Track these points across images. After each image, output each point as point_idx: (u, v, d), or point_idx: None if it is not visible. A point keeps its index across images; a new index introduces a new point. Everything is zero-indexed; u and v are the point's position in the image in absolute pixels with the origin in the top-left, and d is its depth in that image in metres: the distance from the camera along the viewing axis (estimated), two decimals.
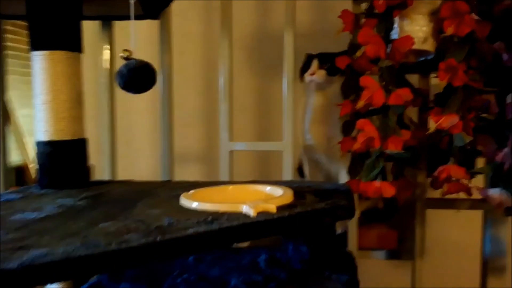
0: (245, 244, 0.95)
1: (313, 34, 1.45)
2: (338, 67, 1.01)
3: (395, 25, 0.88)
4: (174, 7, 1.14)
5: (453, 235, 1.37)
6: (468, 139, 0.81)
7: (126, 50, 0.80)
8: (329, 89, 1.05)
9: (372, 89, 0.85)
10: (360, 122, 0.87)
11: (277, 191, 0.76)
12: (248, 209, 0.64)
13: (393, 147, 0.85)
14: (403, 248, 1.09)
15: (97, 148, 1.09)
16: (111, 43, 1.17)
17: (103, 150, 1.18)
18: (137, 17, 1.10)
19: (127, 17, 1.13)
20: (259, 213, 0.62)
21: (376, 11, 0.91)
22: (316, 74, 1.03)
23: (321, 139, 1.10)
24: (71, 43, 0.89)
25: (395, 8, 0.85)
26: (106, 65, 1.17)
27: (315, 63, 1.05)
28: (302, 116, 1.14)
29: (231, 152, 1.11)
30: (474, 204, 0.98)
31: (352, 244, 1.03)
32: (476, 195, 0.91)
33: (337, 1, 1.43)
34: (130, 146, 1.58)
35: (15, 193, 0.85)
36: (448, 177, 0.85)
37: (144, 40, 1.43)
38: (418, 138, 0.93)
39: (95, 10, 1.06)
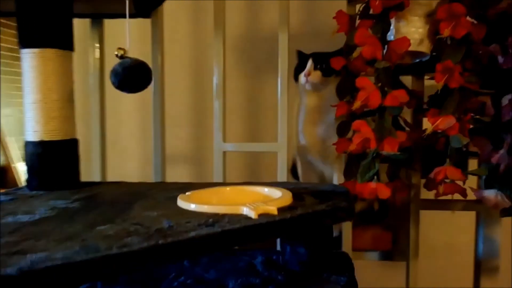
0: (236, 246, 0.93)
1: (303, 35, 1.45)
2: (333, 67, 1.00)
3: (391, 27, 0.88)
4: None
5: (447, 236, 1.38)
6: (465, 140, 0.81)
7: (120, 49, 0.78)
8: (324, 90, 1.05)
9: (368, 90, 0.85)
10: (356, 123, 0.87)
11: (276, 192, 0.75)
12: (248, 211, 0.63)
13: (389, 148, 0.85)
14: (397, 249, 1.09)
15: (85, 148, 1.06)
16: (101, 42, 1.15)
17: (93, 150, 1.15)
18: (129, 15, 1.09)
19: (118, 15, 1.12)
20: (260, 215, 0.62)
21: (372, 12, 0.91)
22: (311, 76, 1.03)
23: (315, 140, 1.10)
24: (62, 40, 0.87)
25: (391, 9, 0.85)
26: (96, 64, 1.14)
27: (310, 64, 1.04)
28: (296, 117, 1.13)
29: (225, 153, 1.10)
30: (467, 205, 0.99)
31: (347, 245, 1.02)
32: (470, 196, 0.92)
33: (328, 2, 1.44)
34: (117, 146, 1.55)
35: (4, 195, 0.82)
36: (443, 178, 0.85)
37: (134, 39, 1.41)
38: (412, 139, 0.93)
39: (85, 7, 1.04)
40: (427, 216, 1.02)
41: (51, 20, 0.84)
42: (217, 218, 0.61)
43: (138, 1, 1.01)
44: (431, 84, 0.99)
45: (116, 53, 0.78)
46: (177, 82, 1.50)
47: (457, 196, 0.91)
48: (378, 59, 0.85)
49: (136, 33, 1.40)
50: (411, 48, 0.86)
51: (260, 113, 1.53)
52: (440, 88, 0.89)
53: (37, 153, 0.85)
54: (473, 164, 0.96)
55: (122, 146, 1.57)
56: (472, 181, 0.93)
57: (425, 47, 0.88)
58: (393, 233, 1.09)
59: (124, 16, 1.09)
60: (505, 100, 0.80)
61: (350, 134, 0.98)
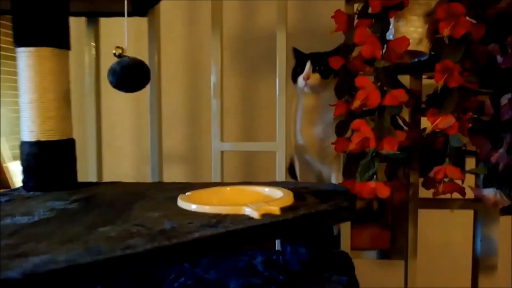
0: None
1: (299, 33, 1.44)
2: (331, 69, 1.00)
3: (390, 26, 0.88)
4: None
5: (444, 234, 1.39)
6: (465, 140, 0.82)
7: (118, 47, 0.77)
8: (323, 92, 1.04)
9: (368, 89, 0.85)
10: (356, 123, 0.87)
11: (276, 192, 0.75)
12: (251, 212, 0.62)
13: (389, 148, 0.85)
14: (395, 247, 1.09)
15: (80, 148, 1.05)
16: (97, 41, 1.14)
17: (89, 150, 1.14)
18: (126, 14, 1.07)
19: (114, 14, 1.11)
20: (263, 216, 0.61)
21: (370, 11, 0.91)
22: (310, 79, 1.02)
23: (313, 140, 1.09)
24: (58, 39, 0.85)
25: (391, 8, 0.85)
26: (92, 63, 1.13)
27: (308, 67, 1.03)
28: (294, 117, 1.13)
29: (222, 152, 1.09)
30: (465, 204, 0.99)
31: (345, 244, 1.02)
32: (467, 195, 0.92)
33: (324, 1, 1.44)
34: (112, 146, 1.54)
35: (0, 196, 0.81)
36: (443, 177, 0.85)
37: (130, 38, 1.40)
38: (411, 138, 0.93)
39: (81, 5, 1.02)
40: (424, 215, 1.02)
41: (47, 18, 0.83)
42: (219, 218, 0.60)
43: None
44: (428, 83, 0.99)
45: (114, 51, 0.77)
46: (171, 82, 1.49)
47: (455, 195, 0.91)
48: (377, 58, 0.85)
49: (131, 32, 1.39)
50: (410, 48, 0.86)
51: (254, 113, 1.53)
52: (439, 87, 0.89)
53: (34, 154, 0.84)
54: (469, 163, 0.97)
55: (116, 146, 1.56)
56: (469, 180, 0.93)
57: (424, 47, 0.88)
58: (391, 232, 1.10)
59: (120, 15, 1.08)
60: (504, 100, 0.80)
61: (348, 134, 0.98)
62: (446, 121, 0.81)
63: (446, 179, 0.89)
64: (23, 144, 0.85)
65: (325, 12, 1.46)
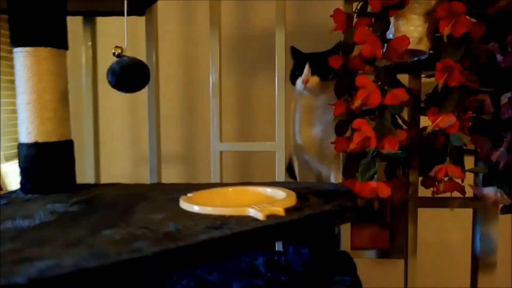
0: None
1: (296, 32, 1.44)
2: (330, 71, 1.00)
3: (390, 25, 0.88)
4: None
5: (443, 233, 1.39)
6: (466, 139, 0.82)
7: (117, 47, 0.76)
8: (321, 93, 1.04)
9: (368, 88, 0.85)
10: (357, 122, 0.86)
11: (279, 193, 0.74)
12: (255, 213, 0.62)
13: (389, 147, 0.85)
14: (394, 247, 1.10)
15: (77, 150, 1.04)
16: (93, 40, 1.12)
17: (86, 152, 1.13)
18: (122, 13, 1.06)
19: (110, 13, 1.10)
20: (268, 217, 0.61)
21: (370, 10, 0.90)
22: (309, 82, 1.02)
23: (312, 141, 1.09)
24: (55, 39, 0.84)
25: (391, 7, 0.85)
26: (89, 62, 1.12)
27: (307, 71, 1.03)
28: (292, 116, 1.13)
29: (221, 153, 1.08)
30: (464, 203, 0.99)
31: (345, 244, 1.02)
32: (467, 194, 0.92)
33: (321, 0, 1.44)
34: (107, 147, 1.52)
35: None
36: (444, 176, 0.85)
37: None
38: (410, 137, 0.93)
39: (78, 5, 1.01)
40: (422, 214, 1.02)
41: (44, 17, 0.82)
42: (224, 220, 0.60)
43: None
44: (427, 82, 0.99)
45: (113, 51, 0.76)
46: (167, 82, 1.48)
47: (454, 194, 0.91)
48: (378, 57, 0.85)
49: (129, 30, 1.38)
50: (410, 47, 0.86)
51: (250, 112, 1.52)
52: (439, 86, 0.89)
53: (32, 155, 0.83)
54: (467, 161, 0.97)
55: (111, 147, 1.54)
56: (467, 179, 0.93)
57: (424, 46, 0.88)
58: (390, 231, 1.10)
59: (117, 14, 1.08)
60: (504, 98, 0.80)
61: (347, 133, 0.98)
62: (447, 120, 0.81)
63: (446, 178, 0.89)
64: (21, 145, 0.84)
65: (321, 11, 1.47)
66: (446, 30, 0.81)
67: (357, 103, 0.85)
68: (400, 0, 0.84)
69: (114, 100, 1.52)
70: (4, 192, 0.85)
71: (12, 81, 0.85)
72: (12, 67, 0.85)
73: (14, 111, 1.36)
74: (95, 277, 0.44)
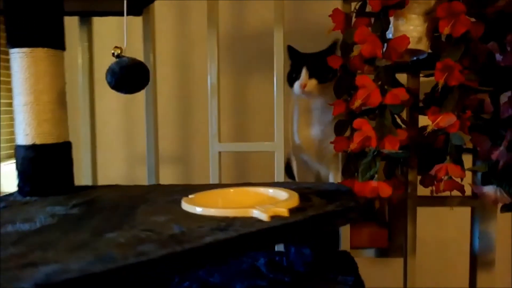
0: None
1: (292, 32, 1.44)
2: (327, 74, 0.99)
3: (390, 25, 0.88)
4: None
5: (442, 232, 1.40)
6: (467, 138, 0.82)
7: (117, 47, 0.75)
8: (319, 95, 1.03)
9: (369, 88, 0.85)
10: (358, 122, 0.86)
11: (281, 193, 0.74)
12: (259, 214, 0.61)
13: (390, 147, 0.85)
14: (393, 245, 1.10)
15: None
16: (90, 40, 1.11)
17: (83, 153, 1.12)
18: (120, 13, 1.05)
19: (107, 13, 1.09)
20: (272, 218, 0.60)
21: (370, 10, 0.91)
22: (307, 87, 1.01)
23: (311, 141, 1.08)
24: (53, 39, 0.83)
25: (391, 7, 0.85)
26: (85, 63, 1.11)
27: (304, 75, 1.01)
28: (291, 116, 1.12)
29: (220, 153, 1.08)
30: (463, 201, 1.00)
31: (345, 243, 1.02)
32: (466, 192, 0.93)
33: (315, 0, 1.44)
34: (100, 148, 1.51)
35: None
36: (445, 175, 0.85)
37: (120, 38, 1.37)
38: (409, 137, 0.94)
39: (74, 5, 1.00)
40: (420, 213, 1.02)
41: (41, 18, 0.81)
42: (228, 221, 0.59)
43: None
44: (425, 81, 1.00)
45: (112, 51, 0.75)
46: (162, 82, 1.47)
47: (452, 192, 0.92)
48: (378, 57, 0.85)
49: (121, 31, 1.37)
50: (409, 46, 0.86)
51: (245, 112, 1.51)
52: (435, 85, 0.90)
53: (29, 158, 0.82)
54: (465, 159, 0.97)
55: (105, 147, 1.53)
56: (466, 178, 0.94)
57: (424, 45, 0.88)
58: (389, 230, 1.10)
59: (113, 14, 1.07)
60: (503, 98, 0.81)
61: (347, 133, 0.98)
62: (447, 120, 0.82)
63: (445, 177, 0.89)
64: (18, 148, 0.83)
65: (318, 10, 1.46)
66: (446, 30, 0.81)
67: (357, 103, 0.85)
68: (400, 0, 0.84)
69: (107, 100, 1.50)
70: (1, 196, 0.84)
71: (7, 82, 0.84)
72: (8, 68, 0.84)
73: (8, 112, 1.35)
74: (102, 282, 0.43)
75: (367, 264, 1.39)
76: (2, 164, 1.41)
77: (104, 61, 1.17)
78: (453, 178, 0.89)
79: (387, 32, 0.89)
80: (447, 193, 0.92)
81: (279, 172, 1.05)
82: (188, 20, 1.52)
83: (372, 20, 0.90)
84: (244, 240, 0.54)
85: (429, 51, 0.90)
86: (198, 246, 0.50)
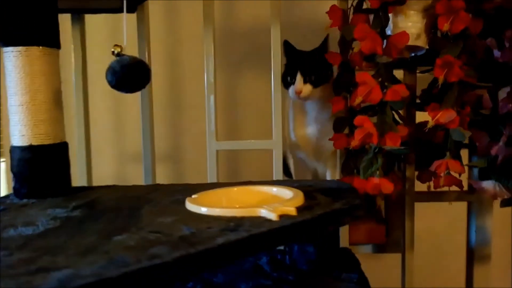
0: None
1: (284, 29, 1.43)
2: (322, 77, 0.99)
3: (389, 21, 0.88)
4: None
5: (439, 226, 1.41)
6: (467, 134, 0.83)
7: (117, 46, 0.74)
8: (315, 96, 1.02)
9: (370, 85, 0.85)
10: (359, 119, 0.86)
11: (285, 192, 0.73)
12: (267, 213, 0.61)
13: (391, 143, 0.85)
14: (390, 241, 1.10)
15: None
16: (82, 38, 1.09)
17: (78, 153, 1.10)
18: (113, 10, 1.04)
19: (99, 10, 1.07)
20: (280, 217, 0.60)
21: (368, 6, 0.91)
22: (302, 92, 0.99)
23: (308, 140, 1.08)
24: (48, 37, 0.81)
25: (390, 4, 0.85)
26: (79, 62, 1.08)
27: (299, 80, 0.99)
28: (286, 114, 1.12)
29: (218, 151, 1.07)
30: (460, 196, 1.01)
31: (343, 240, 1.02)
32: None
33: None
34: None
35: None
36: (445, 171, 0.86)
37: (113, 35, 1.35)
38: (408, 133, 0.94)
39: (67, 2, 0.98)
40: (418, 208, 1.03)
41: (36, 15, 0.79)
42: (236, 222, 0.59)
43: None
44: (420, 77, 1.00)
45: (112, 50, 0.73)
46: (153, 79, 1.45)
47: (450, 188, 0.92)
48: (378, 54, 0.85)
49: (113, 29, 1.35)
50: (408, 43, 0.86)
51: (238, 110, 1.50)
52: (432, 81, 0.91)
53: (26, 159, 0.80)
54: (462, 154, 0.98)
55: (95, 146, 1.50)
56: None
57: (422, 42, 0.88)
58: (386, 226, 1.10)
59: (106, 11, 1.05)
60: (502, 93, 0.82)
61: (346, 130, 0.98)
62: (447, 116, 0.82)
63: (442, 174, 0.90)
64: (14, 149, 0.80)
65: (310, 6, 1.46)
66: (445, 26, 0.82)
67: (358, 100, 0.85)
68: None
69: (96, 99, 1.48)
70: None
71: None
72: None
73: None
74: (116, 286, 0.42)
75: (363, 260, 1.39)
76: None
77: (94, 59, 1.16)
78: (452, 173, 0.90)
79: (385, 29, 0.89)
80: (444, 188, 0.93)
81: (277, 170, 1.04)
82: (179, 18, 1.50)
83: (370, 16, 0.91)
84: (255, 240, 0.53)
85: (427, 47, 0.90)
86: (211, 247, 0.49)
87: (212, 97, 1.05)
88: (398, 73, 1.02)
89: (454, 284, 1.18)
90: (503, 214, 1.22)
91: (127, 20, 1.07)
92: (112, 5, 1.01)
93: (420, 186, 1.01)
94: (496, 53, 0.83)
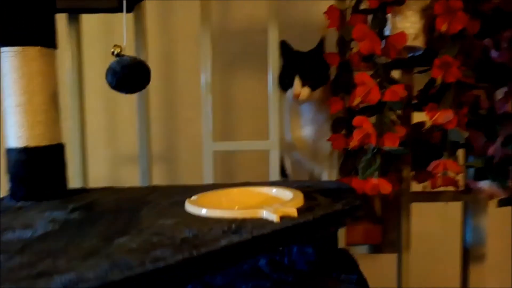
0: None
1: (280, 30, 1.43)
2: (320, 79, 0.99)
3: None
4: None
5: (434, 226, 1.42)
6: (465, 134, 0.83)
7: (117, 46, 0.73)
8: (313, 98, 1.02)
9: (368, 85, 0.85)
10: (358, 119, 0.86)
11: (285, 192, 0.73)
12: (269, 214, 0.61)
13: (390, 143, 0.85)
14: (386, 241, 1.11)
15: None
16: (78, 38, 1.08)
17: (74, 155, 1.09)
18: (110, 10, 1.03)
19: (96, 10, 1.06)
20: (282, 218, 0.60)
21: (366, 7, 0.91)
22: (301, 96, 0.98)
23: (304, 142, 1.07)
24: (45, 37, 0.80)
25: (388, 4, 0.85)
26: (75, 62, 1.07)
27: (296, 84, 0.98)
28: (283, 115, 1.11)
29: (215, 152, 1.06)
30: (455, 196, 1.02)
31: (340, 241, 1.03)
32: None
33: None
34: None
35: None
36: (442, 171, 0.87)
37: (109, 35, 1.34)
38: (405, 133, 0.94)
39: (63, 2, 0.97)
40: (414, 208, 1.04)
41: (33, 15, 0.78)
42: (238, 223, 0.58)
43: None
44: (415, 77, 1.01)
45: (112, 50, 0.73)
46: None
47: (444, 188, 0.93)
48: (377, 54, 0.85)
49: (108, 28, 1.34)
50: (407, 43, 0.86)
51: (231, 110, 1.50)
52: (429, 82, 0.91)
53: (22, 161, 0.78)
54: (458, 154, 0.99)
55: (88, 148, 1.49)
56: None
57: (420, 42, 0.89)
58: (383, 226, 1.11)
59: (103, 11, 1.04)
60: (499, 94, 0.82)
61: (344, 131, 0.98)
62: (445, 116, 0.83)
63: (438, 174, 0.90)
64: (10, 151, 0.79)
65: (306, 6, 1.46)
66: (444, 27, 0.82)
67: (357, 100, 0.85)
68: None
69: (91, 99, 1.46)
70: None
71: None
72: None
73: None
74: None
75: (359, 261, 1.40)
76: None
77: (88, 59, 1.14)
78: (448, 173, 0.91)
79: (384, 29, 0.90)
80: (440, 189, 0.93)
81: (274, 171, 1.04)
82: (172, 17, 1.49)
83: (368, 17, 0.91)
84: (258, 242, 0.53)
85: (425, 47, 0.91)
86: (215, 249, 0.49)
87: (209, 97, 1.05)
88: (395, 74, 1.03)
89: (449, 284, 1.19)
90: (500, 214, 1.23)
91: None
92: (109, 5, 1.00)
93: (415, 186, 1.01)
94: (493, 53, 0.83)
